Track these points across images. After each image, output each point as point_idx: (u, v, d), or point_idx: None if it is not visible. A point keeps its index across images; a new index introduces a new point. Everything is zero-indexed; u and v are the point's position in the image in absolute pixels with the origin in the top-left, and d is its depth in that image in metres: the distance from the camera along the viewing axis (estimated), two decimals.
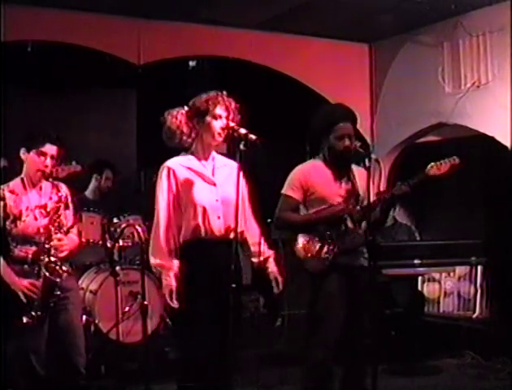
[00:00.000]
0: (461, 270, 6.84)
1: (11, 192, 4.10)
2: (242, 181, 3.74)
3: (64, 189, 4.25)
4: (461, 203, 6.91)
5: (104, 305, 5.47)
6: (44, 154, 4.09)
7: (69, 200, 4.28)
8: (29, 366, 4.10)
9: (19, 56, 5.89)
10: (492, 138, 6.11)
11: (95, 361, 5.17)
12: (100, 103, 7.27)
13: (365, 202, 4.11)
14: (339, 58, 7.19)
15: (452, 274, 6.94)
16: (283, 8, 6.20)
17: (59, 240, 4.11)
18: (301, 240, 4.26)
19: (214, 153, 3.80)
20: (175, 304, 3.60)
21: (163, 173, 3.69)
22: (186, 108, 3.75)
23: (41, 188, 4.19)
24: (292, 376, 4.76)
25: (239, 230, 3.68)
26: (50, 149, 4.11)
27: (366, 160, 4.06)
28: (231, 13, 6.26)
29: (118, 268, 5.60)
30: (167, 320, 5.60)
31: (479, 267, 6.65)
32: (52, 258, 4.08)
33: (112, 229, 5.81)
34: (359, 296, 4.15)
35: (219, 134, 3.68)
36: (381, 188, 4.34)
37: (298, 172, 4.35)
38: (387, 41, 7.19)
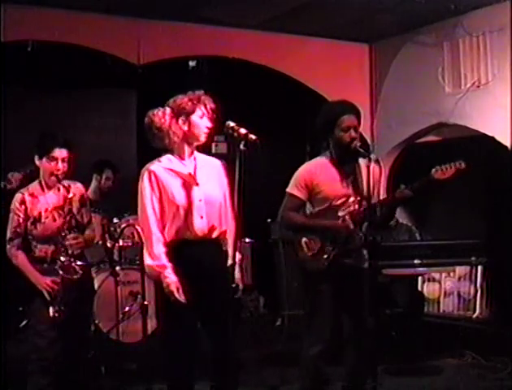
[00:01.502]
0: (461, 270, 6.83)
1: (31, 195, 4.33)
2: (225, 180, 3.80)
3: (80, 187, 4.48)
4: (461, 203, 6.91)
5: (104, 305, 5.47)
6: (55, 159, 4.29)
7: (85, 197, 4.52)
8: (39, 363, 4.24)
9: (19, 56, 5.89)
10: (492, 138, 6.11)
11: (95, 361, 5.18)
12: (100, 103, 7.26)
13: (372, 199, 4.10)
14: (339, 58, 7.20)
15: (452, 274, 6.94)
16: (283, 8, 6.20)
17: (74, 238, 4.31)
18: (303, 240, 4.26)
19: (195, 153, 3.80)
20: (183, 298, 3.57)
21: (145, 177, 3.69)
22: (168, 108, 3.72)
23: (58, 189, 4.39)
24: (292, 376, 4.76)
25: (223, 229, 3.73)
26: (60, 153, 4.30)
27: (366, 160, 4.07)
28: (231, 13, 6.26)
29: (118, 268, 5.60)
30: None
31: (479, 267, 6.65)
32: (66, 257, 4.25)
33: (112, 229, 5.81)
34: (358, 296, 4.16)
35: (205, 133, 3.71)
36: (381, 189, 4.31)
37: (303, 171, 4.34)
38: (387, 41, 7.19)
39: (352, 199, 4.22)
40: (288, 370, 5.10)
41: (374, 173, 4.08)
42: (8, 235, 4.31)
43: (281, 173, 4.47)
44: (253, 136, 3.52)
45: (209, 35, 6.55)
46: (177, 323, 3.65)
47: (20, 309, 5.68)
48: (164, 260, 3.62)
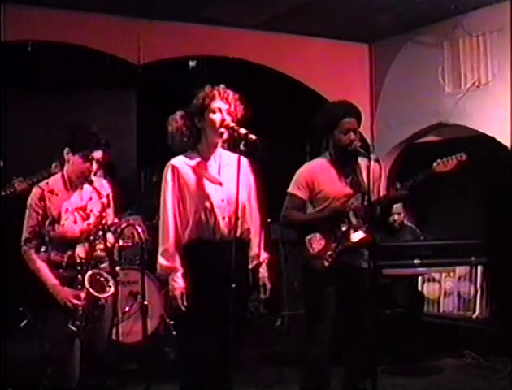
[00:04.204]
0: (461, 270, 6.83)
1: (51, 191, 3.87)
2: (251, 178, 3.72)
3: (106, 188, 4.05)
4: (461, 203, 6.91)
5: None
6: (91, 160, 3.88)
7: (110, 197, 4.08)
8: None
9: (19, 56, 5.89)
10: (492, 138, 6.11)
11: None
12: (100, 103, 7.26)
13: (372, 197, 4.11)
14: (339, 58, 7.20)
15: (452, 274, 6.93)
16: (283, 8, 6.20)
17: (102, 250, 3.97)
18: (307, 239, 4.26)
19: (220, 150, 3.68)
20: (185, 306, 3.50)
21: (168, 172, 3.60)
22: (184, 111, 3.66)
23: (82, 188, 3.97)
24: (292, 376, 4.76)
25: (246, 229, 3.65)
26: (98, 154, 3.92)
27: (366, 160, 4.07)
28: (231, 13, 6.26)
29: (118, 268, 5.59)
30: (167, 320, 5.61)
31: (479, 267, 6.64)
32: (95, 270, 3.89)
33: (112, 229, 5.79)
34: (358, 296, 4.16)
35: (223, 128, 3.57)
36: (381, 189, 4.33)
37: (304, 171, 4.36)
38: (387, 41, 7.19)
39: (353, 198, 4.23)
40: (288, 371, 5.10)
41: (374, 173, 4.09)
42: (25, 235, 3.82)
43: (281, 173, 4.47)
44: (253, 136, 3.51)
45: (209, 35, 6.55)
46: (198, 324, 3.55)
47: (20, 309, 5.68)
48: (177, 262, 3.54)
